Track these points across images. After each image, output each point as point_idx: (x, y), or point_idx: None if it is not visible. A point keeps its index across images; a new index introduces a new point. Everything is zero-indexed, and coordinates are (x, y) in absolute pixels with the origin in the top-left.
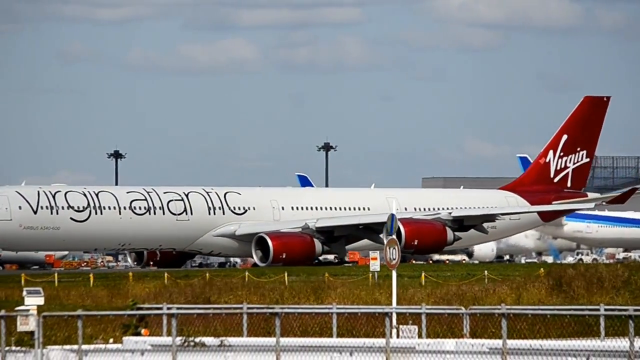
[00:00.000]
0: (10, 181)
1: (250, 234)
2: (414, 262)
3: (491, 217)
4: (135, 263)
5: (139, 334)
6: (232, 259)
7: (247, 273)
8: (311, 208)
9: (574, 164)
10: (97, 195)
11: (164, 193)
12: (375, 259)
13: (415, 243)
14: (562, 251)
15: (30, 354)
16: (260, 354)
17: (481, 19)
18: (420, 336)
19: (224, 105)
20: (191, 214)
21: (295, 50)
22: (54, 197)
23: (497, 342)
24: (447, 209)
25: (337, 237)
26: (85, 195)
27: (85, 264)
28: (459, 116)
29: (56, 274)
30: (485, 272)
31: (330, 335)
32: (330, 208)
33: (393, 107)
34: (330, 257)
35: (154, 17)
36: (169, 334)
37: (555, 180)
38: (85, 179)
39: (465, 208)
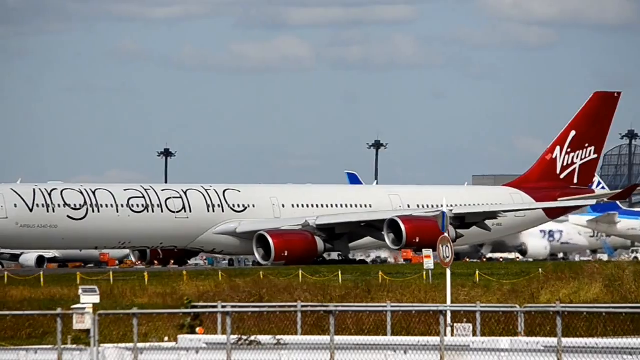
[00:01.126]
0: (64, 180)
1: (250, 232)
2: (467, 260)
3: (493, 214)
4: (139, 262)
5: (194, 332)
6: None
7: (300, 271)
8: (312, 205)
9: (581, 160)
10: (94, 193)
11: (162, 190)
12: (429, 257)
13: (417, 240)
14: (616, 249)
15: (86, 352)
16: (314, 352)
17: (534, 16)
18: (474, 334)
19: (276, 103)
20: (190, 211)
21: (348, 48)
22: (49, 195)
23: (552, 340)
24: (450, 205)
25: (339, 234)
26: (81, 192)
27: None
28: (511, 114)
29: (111, 272)
30: (540, 270)
31: (385, 334)
32: (331, 205)
33: (445, 105)
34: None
35: (205, 16)
36: (224, 332)
37: (562, 176)
38: (136, 177)
39: (469, 205)
